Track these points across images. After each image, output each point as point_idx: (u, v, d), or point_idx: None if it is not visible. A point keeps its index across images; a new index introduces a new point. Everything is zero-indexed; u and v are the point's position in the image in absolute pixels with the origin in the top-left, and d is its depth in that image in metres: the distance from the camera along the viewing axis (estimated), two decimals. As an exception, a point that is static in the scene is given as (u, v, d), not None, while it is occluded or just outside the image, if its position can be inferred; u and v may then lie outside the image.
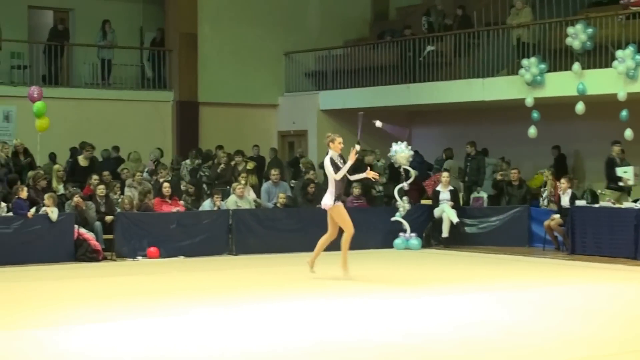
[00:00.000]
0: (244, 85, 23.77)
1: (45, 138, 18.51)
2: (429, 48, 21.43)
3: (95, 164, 19.30)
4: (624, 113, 17.41)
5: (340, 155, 13.26)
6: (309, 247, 13.70)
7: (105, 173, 18.30)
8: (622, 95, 17.23)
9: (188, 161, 20.36)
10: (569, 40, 18.07)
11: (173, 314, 10.41)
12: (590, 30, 17.86)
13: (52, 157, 19.95)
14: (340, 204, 13.22)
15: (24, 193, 15.99)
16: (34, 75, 21.82)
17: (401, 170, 18.30)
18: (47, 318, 10.26)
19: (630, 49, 17.10)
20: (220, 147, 20.84)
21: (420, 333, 9.31)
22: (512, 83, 19.22)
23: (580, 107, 17.80)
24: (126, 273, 14.82)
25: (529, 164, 20.37)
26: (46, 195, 16.05)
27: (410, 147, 18.30)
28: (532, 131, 18.66)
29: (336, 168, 13.09)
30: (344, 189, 13.94)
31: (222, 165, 19.54)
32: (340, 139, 13.32)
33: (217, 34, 23.63)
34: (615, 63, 17.29)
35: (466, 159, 20.46)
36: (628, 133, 17.44)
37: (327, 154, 13.29)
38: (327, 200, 13.17)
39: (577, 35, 17.91)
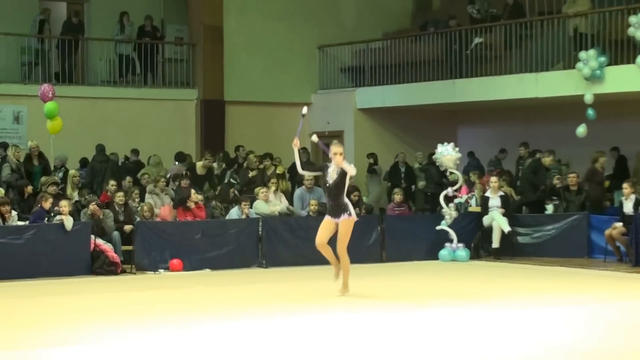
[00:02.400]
0: (273, 83, 23.76)
1: (58, 141, 18.54)
2: (477, 40, 21.35)
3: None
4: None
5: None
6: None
7: (128, 179, 18.65)
8: (691, 91, 17.06)
9: (215, 164, 20.36)
10: (631, 31, 17.92)
11: (197, 332, 10.34)
12: (655, 19, 17.71)
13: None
14: None
15: (47, 203, 15.98)
16: (46, 73, 21.90)
17: (447, 174, 18.18)
18: (60, 336, 10.21)
19: (699, 40, 16.92)
20: (239, 148, 20.85)
21: (471, 350, 9.18)
22: (568, 78, 19.11)
23: (647, 104, 17.66)
24: (147, 287, 14.82)
25: (586, 167, 20.14)
26: (62, 202, 16.00)
27: (457, 149, 18.14)
28: (582, 130, 18.52)
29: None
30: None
31: (255, 171, 19.50)
32: None
33: (245, 27, 23.63)
34: (682, 55, 17.13)
35: (518, 162, 20.30)
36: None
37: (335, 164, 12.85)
38: (353, 211, 12.65)
39: (641, 25, 17.76)
